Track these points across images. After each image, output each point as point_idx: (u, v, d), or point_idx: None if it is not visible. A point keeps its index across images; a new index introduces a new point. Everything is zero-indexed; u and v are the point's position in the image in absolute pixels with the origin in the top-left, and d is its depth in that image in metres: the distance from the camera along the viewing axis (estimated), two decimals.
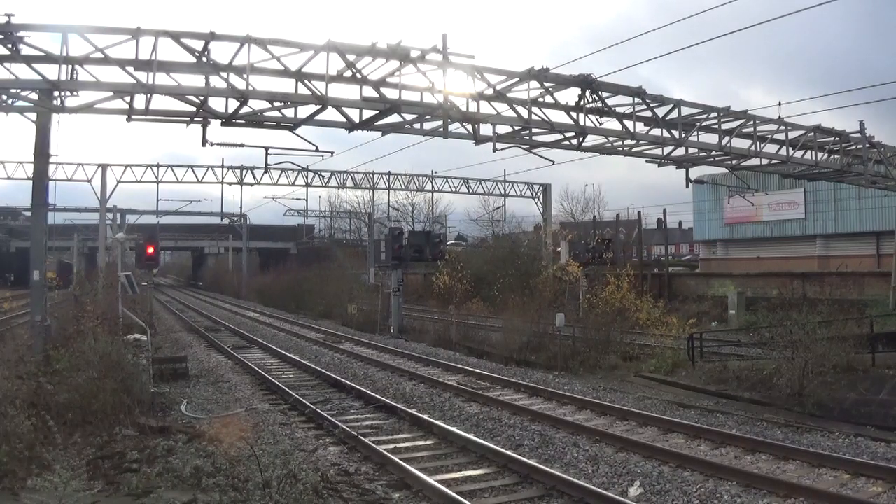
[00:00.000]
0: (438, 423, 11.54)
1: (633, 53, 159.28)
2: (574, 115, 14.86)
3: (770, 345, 14.56)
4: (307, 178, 45.22)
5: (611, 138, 15.90)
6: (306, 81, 12.59)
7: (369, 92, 12.94)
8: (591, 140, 15.89)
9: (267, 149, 15.94)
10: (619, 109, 15.31)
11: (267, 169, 27.33)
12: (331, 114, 13.33)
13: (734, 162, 18.19)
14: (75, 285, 29.54)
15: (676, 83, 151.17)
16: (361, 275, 44.37)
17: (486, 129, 14.67)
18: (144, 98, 12.28)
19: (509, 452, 9.61)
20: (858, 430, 11.31)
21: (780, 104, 17.80)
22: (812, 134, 18.11)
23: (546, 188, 49.72)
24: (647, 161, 17.38)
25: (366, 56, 12.58)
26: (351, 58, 12.54)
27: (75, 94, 12.49)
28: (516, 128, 14.68)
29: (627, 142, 15.99)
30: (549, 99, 14.59)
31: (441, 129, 14.12)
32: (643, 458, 9.71)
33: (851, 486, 8.46)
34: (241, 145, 15.58)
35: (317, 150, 15.20)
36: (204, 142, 13.80)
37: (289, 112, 13.35)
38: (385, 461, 9.31)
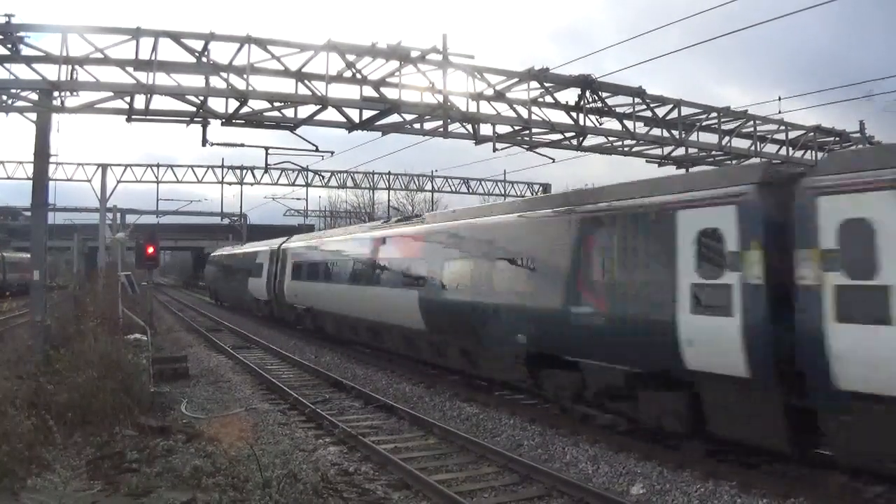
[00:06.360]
0: (438, 423, 11.55)
1: (605, 53, 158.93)
2: (574, 115, 14.88)
3: None
4: (307, 178, 45.19)
5: (611, 138, 15.92)
6: (306, 81, 12.61)
7: (369, 92, 12.96)
8: (591, 140, 15.92)
9: (267, 149, 16.02)
10: (619, 109, 15.33)
11: (267, 169, 27.44)
12: (331, 114, 13.36)
13: (734, 162, 18.20)
14: (75, 285, 29.54)
15: (643, 79, 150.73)
16: None
17: (486, 129, 14.70)
18: (144, 98, 12.32)
19: (509, 453, 9.62)
20: None
21: (779, 99, 17.85)
22: (812, 134, 18.14)
23: (546, 188, 49.73)
24: (647, 161, 17.40)
25: (366, 56, 12.60)
26: (351, 58, 12.56)
27: (75, 94, 12.52)
28: (516, 128, 14.69)
29: (627, 142, 16.03)
30: (548, 99, 14.60)
31: (441, 129, 14.15)
32: (643, 457, 9.70)
33: (852, 485, 8.42)
34: (241, 145, 15.65)
35: (317, 150, 15.24)
36: (204, 142, 13.85)
37: (289, 112, 13.38)
38: (385, 461, 9.32)
